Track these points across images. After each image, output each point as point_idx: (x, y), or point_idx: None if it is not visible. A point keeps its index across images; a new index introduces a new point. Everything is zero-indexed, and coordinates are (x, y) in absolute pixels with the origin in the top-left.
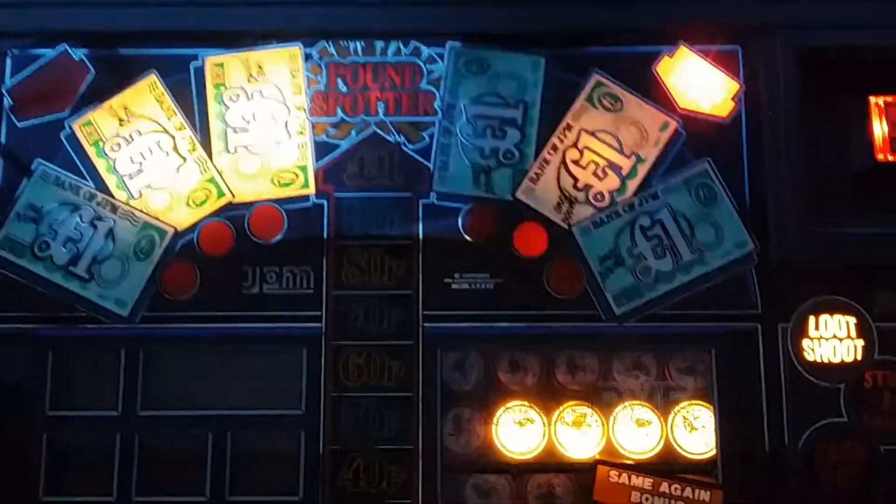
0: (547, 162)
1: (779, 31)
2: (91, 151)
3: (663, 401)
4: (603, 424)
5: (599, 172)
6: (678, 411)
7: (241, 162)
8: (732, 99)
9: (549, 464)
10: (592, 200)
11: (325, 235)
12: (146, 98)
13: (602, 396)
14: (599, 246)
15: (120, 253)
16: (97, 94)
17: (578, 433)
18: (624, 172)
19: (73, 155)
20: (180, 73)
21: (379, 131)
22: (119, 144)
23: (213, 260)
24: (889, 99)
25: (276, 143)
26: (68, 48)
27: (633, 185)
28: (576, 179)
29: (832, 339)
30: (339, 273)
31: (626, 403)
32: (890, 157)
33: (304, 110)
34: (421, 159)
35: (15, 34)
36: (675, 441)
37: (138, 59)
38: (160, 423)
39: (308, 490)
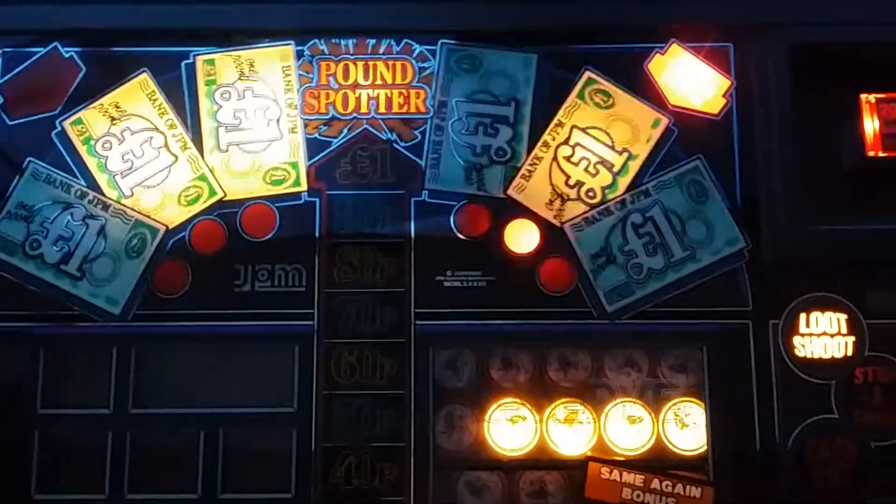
0: (539, 159)
1: (770, 28)
2: (82, 150)
3: (655, 398)
4: (595, 421)
5: (591, 169)
6: (670, 408)
7: (232, 160)
8: (724, 96)
9: (541, 461)
10: (584, 197)
11: (316, 233)
12: (137, 96)
13: (594, 393)
14: (591, 243)
15: (111, 251)
16: (88, 93)
17: (570, 430)
18: (615, 169)
19: (64, 153)
20: (172, 71)
21: (371, 129)
22: (110, 143)
23: (204, 258)
24: (881, 95)
25: (268, 141)
26: (59, 46)
27: (624, 181)
28: (568, 176)
29: (823, 336)
30: (330, 271)
31: (618, 400)
32: (881, 154)
33: (296, 108)
34: (413, 157)
35: (4, 32)
36: (667, 438)
37: (129, 57)
38: (152, 420)
39: (300, 488)
